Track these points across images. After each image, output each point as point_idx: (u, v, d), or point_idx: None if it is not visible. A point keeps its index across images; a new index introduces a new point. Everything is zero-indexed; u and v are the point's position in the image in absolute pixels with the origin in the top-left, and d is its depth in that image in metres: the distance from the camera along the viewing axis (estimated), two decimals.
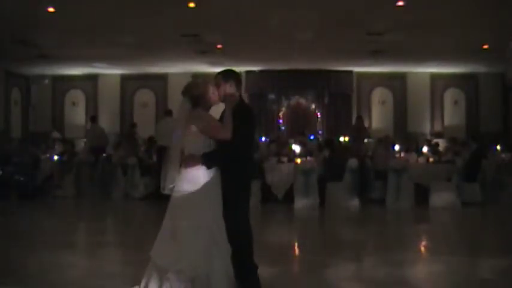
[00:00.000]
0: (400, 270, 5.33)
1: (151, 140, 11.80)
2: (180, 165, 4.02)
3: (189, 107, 4.06)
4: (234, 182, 4.02)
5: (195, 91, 4.07)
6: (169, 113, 11.49)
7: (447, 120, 16.82)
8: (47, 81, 17.16)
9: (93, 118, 13.85)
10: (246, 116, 4.12)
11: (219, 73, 4.25)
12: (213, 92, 4.11)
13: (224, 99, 4.12)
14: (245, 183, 4.21)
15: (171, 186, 4.01)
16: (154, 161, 11.16)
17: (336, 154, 10.52)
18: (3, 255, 5.95)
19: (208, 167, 3.95)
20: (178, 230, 3.86)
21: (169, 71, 16.35)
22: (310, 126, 16.37)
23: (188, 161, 3.97)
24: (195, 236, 3.81)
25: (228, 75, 4.22)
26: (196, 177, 3.94)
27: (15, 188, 11.01)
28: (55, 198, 11.02)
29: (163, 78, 16.79)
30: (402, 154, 11.37)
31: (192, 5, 8.95)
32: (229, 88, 4.14)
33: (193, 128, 3.98)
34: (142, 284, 3.94)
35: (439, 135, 16.33)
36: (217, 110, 4.21)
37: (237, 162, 4.04)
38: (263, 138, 13.86)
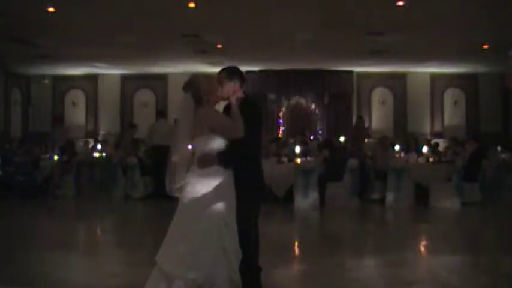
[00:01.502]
0: (400, 270, 5.33)
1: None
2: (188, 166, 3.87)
3: (193, 104, 3.87)
4: (246, 182, 3.91)
5: (199, 86, 3.89)
6: (163, 113, 11.62)
7: (447, 120, 16.83)
8: (47, 81, 17.18)
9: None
10: (254, 112, 4.03)
11: (222, 70, 4.14)
12: (216, 88, 3.97)
13: (230, 97, 3.99)
14: (257, 183, 4.12)
15: (179, 186, 3.80)
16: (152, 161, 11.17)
17: (335, 154, 10.53)
18: (3, 255, 5.95)
19: (226, 166, 3.81)
20: (186, 234, 3.69)
21: (169, 71, 16.36)
22: (310, 126, 16.38)
23: (203, 160, 3.80)
24: (205, 240, 3.66)
25: (232, 72, 4.11)
26: (211, 178, 3.77)
27: (15, 188, 11.01)
28: (55, 198, 11.02)
29: (163, 78, 16.80)
30: (402, 154, 11.37)
31: (192, 5, 8.94)
32: (234, 85, 4.04)
33: (204, 126, 3.81)
34: None
35: (439, 135, 16.33)
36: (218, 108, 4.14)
37: (248, 161, 3.95)
38: None
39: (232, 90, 4.01)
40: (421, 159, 10.78)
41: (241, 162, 3.90)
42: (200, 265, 3.63)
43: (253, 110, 4.04)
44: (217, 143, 3.82)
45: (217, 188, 3.77)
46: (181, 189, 3.83)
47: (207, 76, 4.09)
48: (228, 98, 4.02)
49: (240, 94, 4.02)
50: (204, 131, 3.81)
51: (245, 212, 3.89)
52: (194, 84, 3.93)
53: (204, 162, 3.80)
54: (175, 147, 3.91)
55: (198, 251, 3.65)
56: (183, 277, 3.61)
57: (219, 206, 3.74)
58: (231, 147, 3.87)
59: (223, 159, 3.81)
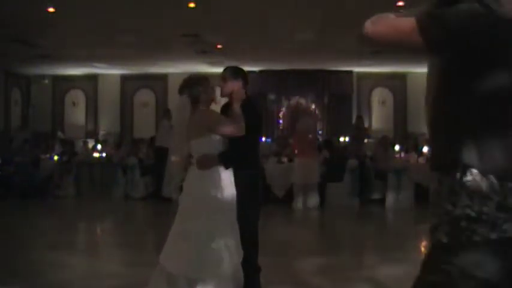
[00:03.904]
0: (400, 270, 5.34)
1: (152, 141, 11.86)
2: (186, 167, 3.88)
3: (189, 105, 3.86)
4: (246, 182, 3.91)
5: (195, 87, 3.89)
6: (166, 114, 11.62)
7: None
8: (47, 81, 17.17)
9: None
10: (254, 113, 4.06)
11: (227, 68, 4.18)
12: (212, 88, 3.99)
13: (232, 95, 3.98)
14: (256, 182, 4.13)
15: (175, 187, 3.87)
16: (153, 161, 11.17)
17: (335, 154, 10.54)
18: (3, 255, 5.95)
19: (227, 167, 3.80)
20: (189, 233, 3.68)
21: (169, 71, 16.35)
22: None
23: (203, 162, 3.78)
24: (207, 240, 3.65)
25: (237, 71, 4.16)
26: (211, 179, 3.74)
27: (15, 188, 11.01)
28: (55, 198, 11.02)
29: (163, 78, 16.79)
30: (402, 154, 11.37)
31: (192, 5, 8.94)
32: (237, 84, 4.06)
33: (202, 127, 3.79)
34: None
35: None
36: (215, 107, 4.16)
37: (249, 160, 3.96)
38: (263, 139, 13.86)
39: (236, 88, 4.01)
40: (421, 159, 10.78)
41: (242, 161, 3.91)
42: (203, 264, 3.62)
43: (254, 110, 4.08)
44: (217, 144, 3.81)
45: (217, 188, 3.75)
46: (177, 190, 3.85)
47: (202, 76, 4.10)
48: (229, 96, 4.03)
49: (242, 93, 4.02)
50: (202, 132, 3.79)
51: (245, 212, 3.88)
52: (189, 86, 3.93)
53: (205, 163, 3.77)
54: (173, 149, 3.94)
55: (201, 251, 3.63)
56: (186, 276, 3.60)
57: (221, 205, 3.73)
58: (231, 147, 3.87)
59: (224, 159, 3.79)
